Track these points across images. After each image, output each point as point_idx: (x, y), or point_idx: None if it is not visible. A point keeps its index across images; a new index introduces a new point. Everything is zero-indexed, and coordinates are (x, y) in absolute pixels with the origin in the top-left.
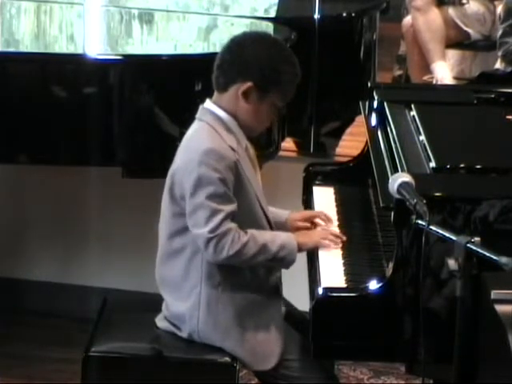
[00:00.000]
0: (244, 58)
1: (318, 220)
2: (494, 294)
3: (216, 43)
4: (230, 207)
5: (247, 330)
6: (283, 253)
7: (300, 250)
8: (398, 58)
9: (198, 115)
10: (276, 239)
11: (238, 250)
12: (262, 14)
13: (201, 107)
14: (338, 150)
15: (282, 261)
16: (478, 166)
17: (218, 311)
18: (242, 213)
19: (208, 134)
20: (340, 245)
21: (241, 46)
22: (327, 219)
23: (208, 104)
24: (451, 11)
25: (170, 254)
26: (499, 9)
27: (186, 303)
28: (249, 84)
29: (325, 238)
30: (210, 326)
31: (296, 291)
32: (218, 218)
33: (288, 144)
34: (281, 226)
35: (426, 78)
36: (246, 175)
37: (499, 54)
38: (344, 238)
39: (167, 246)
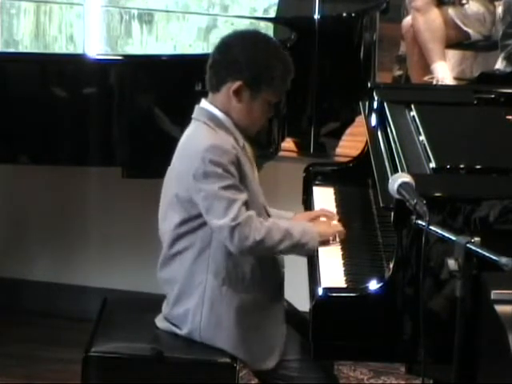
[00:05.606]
0: (233, 57)
1: (322, 219)
2: (494, 294)
3: (216, 43)
4: (243, 196)
5: (249, 329)
6: (306, 238)
7: (320, 237)
8: (398, 58)
9: (194, 115)
10: (295, 225)
11: (264, 235)
12: (261, 14)
13: (197, 107)
14: (338, 151)
15: (305, 246)
16: (478, 166)
17: (221, 310)
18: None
19: (207, 132)
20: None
21: (229, 45)
22: (330, 215)
23: (204, 104)
24: (451, 11)
25: (174, 255)
26: (499, 9)
27: (190, 301)
28: (239, 83)
29: (340, 232)
30: (213, 325)
31: (296, 291)
32: (236, 207)
33: (288, 144)
34: None
35: (426, 78)
36: (247, 172)
37: (502, 56)
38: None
39: (172, 248)
